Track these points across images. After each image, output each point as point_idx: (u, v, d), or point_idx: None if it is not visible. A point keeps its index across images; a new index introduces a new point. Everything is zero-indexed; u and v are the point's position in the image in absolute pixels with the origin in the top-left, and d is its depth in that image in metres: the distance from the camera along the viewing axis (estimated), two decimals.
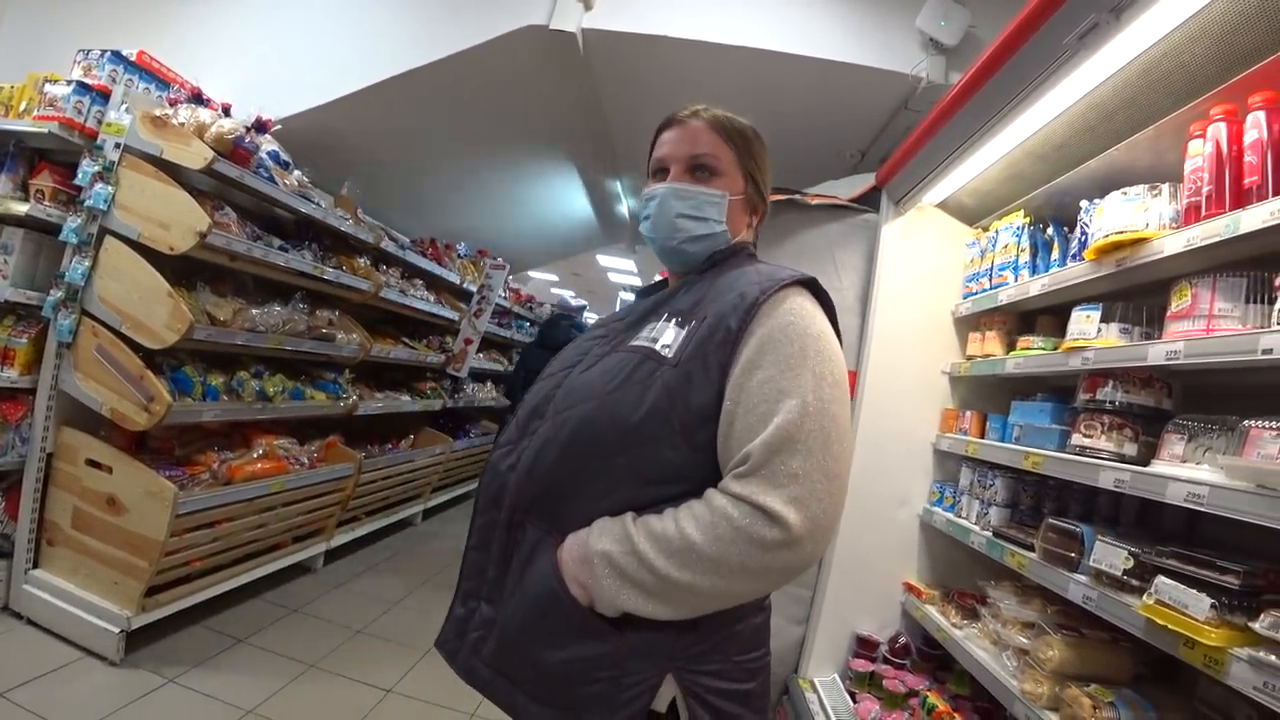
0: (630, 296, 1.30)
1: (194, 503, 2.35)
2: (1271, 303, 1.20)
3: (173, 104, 2.54)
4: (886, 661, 2.26)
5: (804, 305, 0.90)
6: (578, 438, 0.88)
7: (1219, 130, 1.29)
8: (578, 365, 0.98)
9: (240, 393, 2.73)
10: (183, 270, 2.52)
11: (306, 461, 3.05)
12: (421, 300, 4.16)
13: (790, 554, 0.78)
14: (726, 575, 0.78)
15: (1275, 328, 1.14)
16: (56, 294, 2.35)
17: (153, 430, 2.43)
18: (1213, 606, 1.09)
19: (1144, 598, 1.22)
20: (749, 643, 0.94)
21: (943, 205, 2.40)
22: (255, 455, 2.78)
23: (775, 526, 0.76)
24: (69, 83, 2.39)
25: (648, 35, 2.95)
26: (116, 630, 2.22)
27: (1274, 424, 1.12)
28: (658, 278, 1.29)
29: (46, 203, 2.43)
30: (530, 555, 0.89)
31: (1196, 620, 1.10)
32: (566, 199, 5.80)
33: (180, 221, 2.32)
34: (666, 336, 0.91)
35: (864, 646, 2.31)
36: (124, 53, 2.55)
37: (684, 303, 0.96)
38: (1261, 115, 1.21)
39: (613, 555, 0.81)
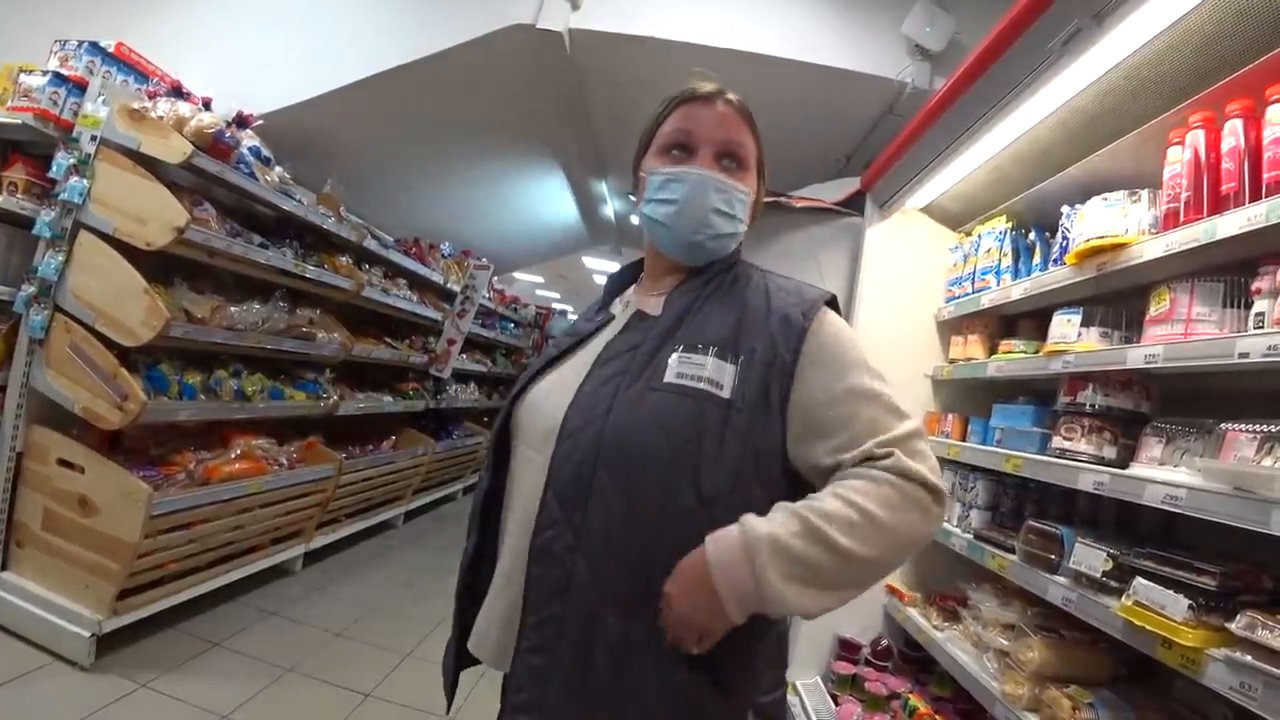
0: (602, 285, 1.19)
1: (169, 504, 2.29)
2: (1248, 307, 1.22)
3: (151, 97, 2.49)
4: (868, 664, 2.27)
5: (837, 318, 0.92)
6: (656, 509, 0.78)
7: (1197, 137, 1.31)
8: (610, 412, 0.83)
9: (218, 392, 2.68)
10: (160, 266, 2.46)
11: (286, 462, 3.00)
12: (404, 300, 4.12)
13: (941, 519, 0.79)
14: (900, 547, 0.77)
15: (1252, 332, 1.16)
16: (29, 289, 2.29)
17: (127, 429, 2.37)
18: (1190, 607, 1.10)
19: (1122, 599, 1.23)
20: (785, 651, 0.95)
21: (926, 209, 2.42)
22: (233, 456, 2.73)
23: (933, 494, 0.77)
24: (45, 73, 2.33)
25: (635, 36, 2.95)
26: (87, 634, 2.16)
27: (1251, 427, 1.13)
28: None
29: (19, 195, 2.37)
30: (623, 653, 0.78)
31: (1174, 621, 1.11)
32: (552, 200, 5.78)
33: (157, 216, 2.27)
34: (716, 374, 0.83)
35: (846, 649, 2.32)
36: (102, 44, 2.50)
37: (717, 329, 0.88)
38: (1239, 123, 1.23)
39: (780, 538, 0.72)
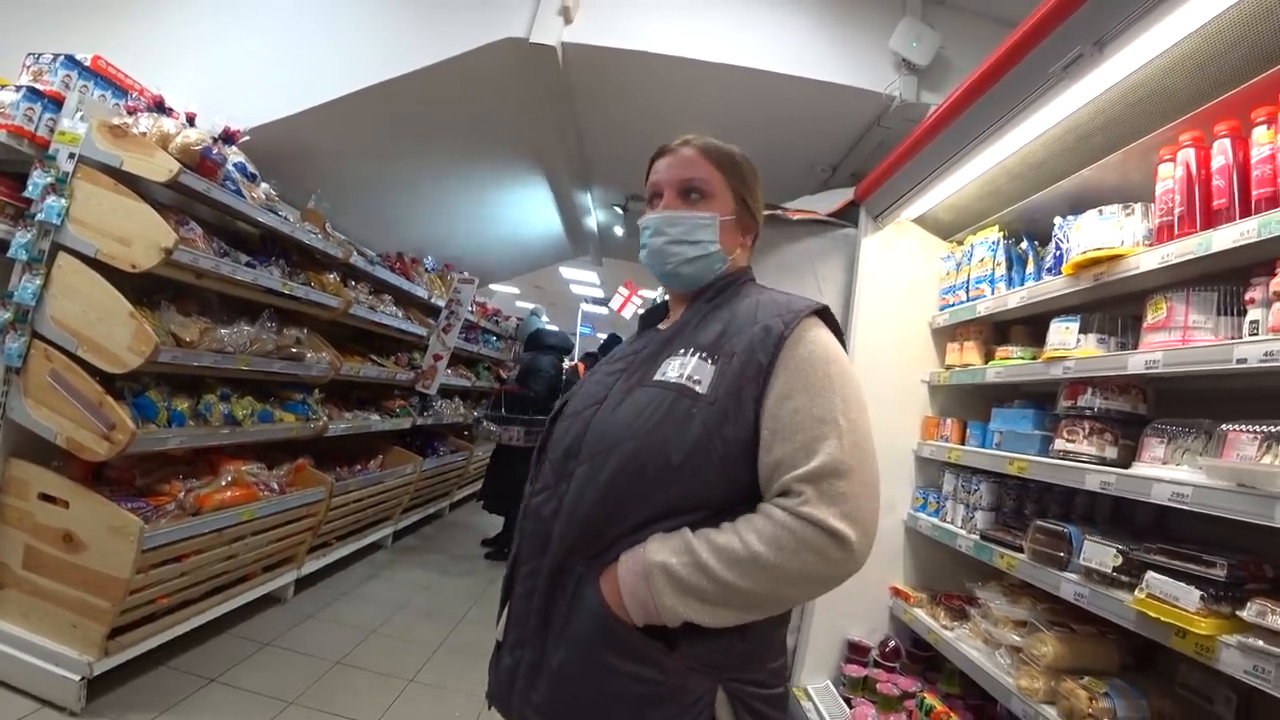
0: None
1: (160, 536, 2.21)
2: (1242, 315, 1.30)
3: (132, 112, 2.41)
4: (878, 665, 2.31)
5: (820, 334, 0.97)
6: (619, 477, 0.89)
7: (1188, 155, 1.39)
8: (604, 402, 0.98)
9: (207, 417, 2.59)
10: (142, 289, 2.38)
11: (276, 487, 2.92)
12: (390, 317, 4.05)
13: (849, 563, 0.85)
14: (787, 583, 0.85)
15: (1249, 339, 1.23)
16: (4, 315, 2.19)
17: (112, 460, 2.28)
18: (1202, 598, 1.17)
19: (1136, 592, 1.29)
20: (778, 650, 0.99)
21: (919, 220, 2.49)
22: (224, 483, 2.64)
23: (833, 540, 0.82)
24: (18, 88, 2.24)
25: (627, 50, 2.97)
26: (77, 677, 2.06)
27: (1252, 427, 1.21)
28: (660, 296, 1.31)
29: None
30: (576, 593, 0.90)
31: (1187, 611, 1.17)
32: (535, 212, 5.76)
33: (143, 237, 2.20)
34: (697, 372, 0.93)
35: (855, 652, 2.36)
36: (78, 57, 2.40)
37: (706, 336, 0.99)
38: (1228, 142, 1.31)
39: (671, 566, 0.84)
